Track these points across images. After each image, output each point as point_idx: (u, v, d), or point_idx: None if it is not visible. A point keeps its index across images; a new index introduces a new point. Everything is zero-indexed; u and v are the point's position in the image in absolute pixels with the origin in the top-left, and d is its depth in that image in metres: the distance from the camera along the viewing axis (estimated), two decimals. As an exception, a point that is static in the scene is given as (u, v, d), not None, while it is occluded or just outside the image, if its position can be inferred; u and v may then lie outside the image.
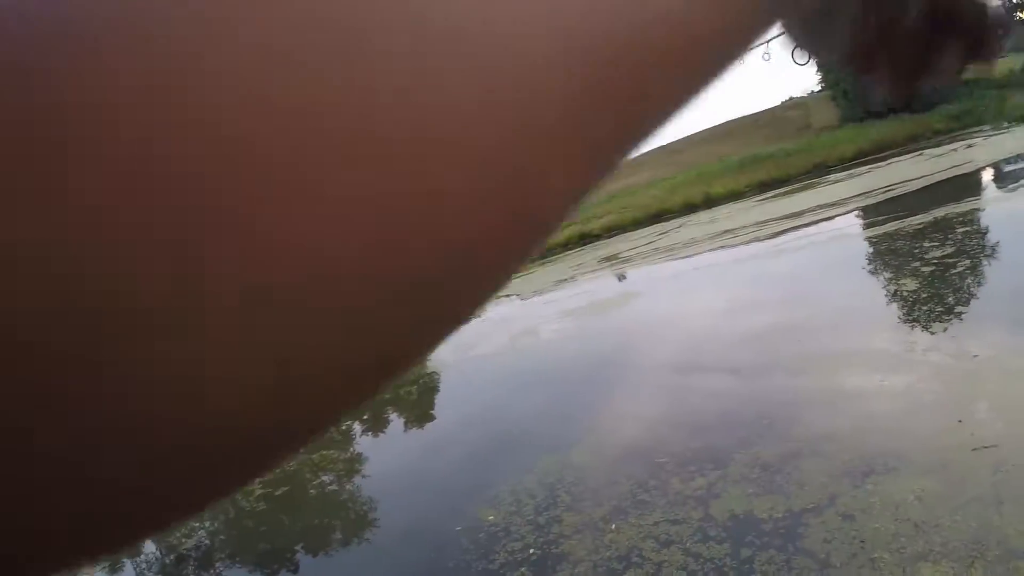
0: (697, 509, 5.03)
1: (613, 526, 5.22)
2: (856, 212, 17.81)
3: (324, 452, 10.97)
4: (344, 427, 12.58)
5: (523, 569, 5.11)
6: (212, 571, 7.63)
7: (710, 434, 6.33)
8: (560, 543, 5.28)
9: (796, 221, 19.19)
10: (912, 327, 7.57)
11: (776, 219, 21.31)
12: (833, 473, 4.87)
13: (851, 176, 29.25)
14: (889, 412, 5.60)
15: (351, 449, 11.06)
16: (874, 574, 3.76)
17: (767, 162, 46.53)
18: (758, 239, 18.36)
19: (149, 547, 9.42)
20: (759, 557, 4.22)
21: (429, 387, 13.90)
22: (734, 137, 71.89)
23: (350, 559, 6.74)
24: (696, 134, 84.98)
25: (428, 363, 16.34)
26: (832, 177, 32.16)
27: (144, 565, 8.87)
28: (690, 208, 42.02)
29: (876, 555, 3.86)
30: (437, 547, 6.00)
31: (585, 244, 42.15)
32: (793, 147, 48.45)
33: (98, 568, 8.84)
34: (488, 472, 7.41)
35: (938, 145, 30.88)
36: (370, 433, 11.89)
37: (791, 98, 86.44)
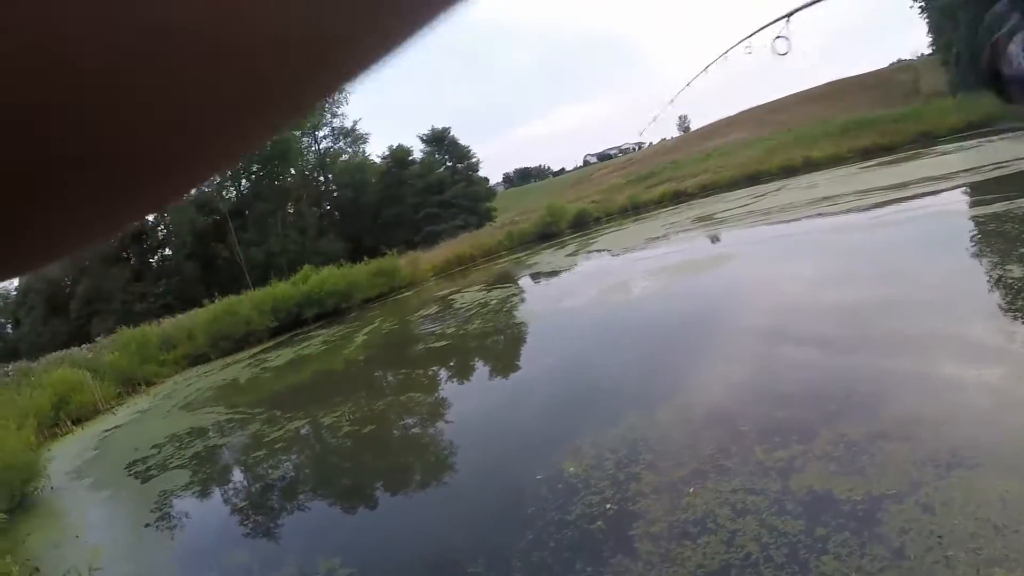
0: (776, 481, 5.04)
1: (691, 489, 5.27)
2: (963, 188, 17.05)
3: (411, 394, 11.27)
4: (431, 372, 12.91)
5: (599, 523, 5.21)
6: (295, 502, 7.92)
7: (796, 406, 6.29)
8: (637, 500, 5.36)
9: (899, 193, 18.55)
10: (1014, 317, 7.28)
11: (878, 189, 20.70)
12: (917, 461, 4.80)
13: (960, 148, 27.67)
14: (982, 404, 5.45)
15: (436, 394, 11.31)
16: (948, 572, 3.69)
17: (871, 127, 44.80)
18: (858, 209, 17.88)
19: (237, 476, 9.90)
20: (833, 538, 4.20)
21: (516, 337, 14.08)
22: (838, 98, 69.07)
23: (428, 500, 6.94)
24: (798, 93, 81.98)
25: (516, 314, 16.58)
26: (939, 148, 30.67)
27: (232, 492, 9.28)
28: (788, 171, 41.21)
29: (951, 553, 3.80)
30: (516, 493, 6.15)
31: (679, 203, 41.95)
32: (899, 113, 46.43)
33: (188, 490, 9.35)
34: (572, 424, 7.52)
35: None
36: (455, 380, 12.14)
37: (900, 60, 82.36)
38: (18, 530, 9.73)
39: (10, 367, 25.86)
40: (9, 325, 65.56)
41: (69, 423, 18.33)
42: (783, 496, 4.83)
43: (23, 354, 39.26)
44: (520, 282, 23.51)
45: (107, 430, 16.79)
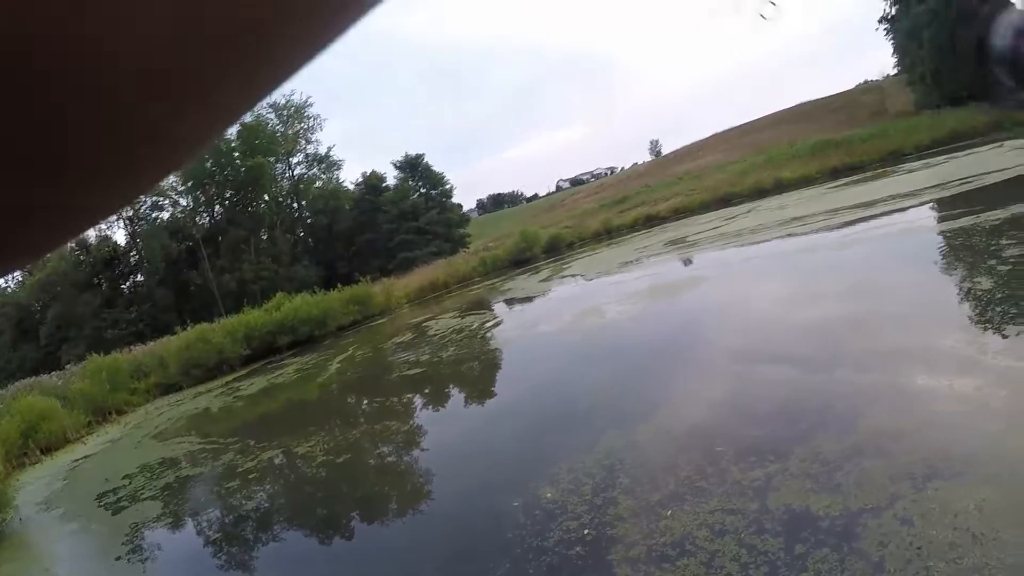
0: (754, 500, 5.05)
1: (669, 512, 5.27)
2: (930, 204, 17.41)
3: (387, 422, 11.20)
4: (405, 399, 12.85)
5: (578, 548, 5.20)
6: (269, 533, 7.84)
7: (771, 425, 6.33)
8: (615, 525, 5.35)
9: (867, 211, 18.88)
10: (984, 328, 7.40)
11: (847, 208, 21.06)
12: (894, 474, 4.83)
13: (927, 166, 28.41)
14: (955, 415, 5.51)
15: (411, 422, 11.25)
16: (927, 583, 3.70)
17: (840, 148, 45.68)
18: (828, 228, 18.18)
19: (210, 507, 9.77)
20: (813, 555, 4.22)
21: (491, 363, 14.06)
22: (807, 120, 70.21)
23: (405, 529, 6.88)
24: (767, 116, 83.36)
25: (491, 340, 16.57)
26: (907, 166, 31.34)
27: (205, 523, 9.15)
28: (759, 193, 41.71)
29: (931, 564, 3.83)
30: (494, 520, 6.12)
31: (652, 226, 42.25)
32: (867, 133, 47.17)
33: (160, 522, 9.21)
34: (549, 449, 7.51)
35: (1021, 136, 29.80)
36: (431, 407, 12.09)
37: (866, 81, 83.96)
38: (-15, 563, 9.51)
39: (-24, 394, 25.44)
40: (-25, 350, 64.64)
41: (38, 452, 18.00)
42: (761, 515, 4.84)
43: (-10, 381, 38.69)
44: (494, 308, 23.50)
45: (77, 460, 16.52)
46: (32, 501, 12.81)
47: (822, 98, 78.59)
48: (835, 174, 39.68)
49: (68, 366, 29.78)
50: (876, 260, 12.54)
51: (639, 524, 5.26)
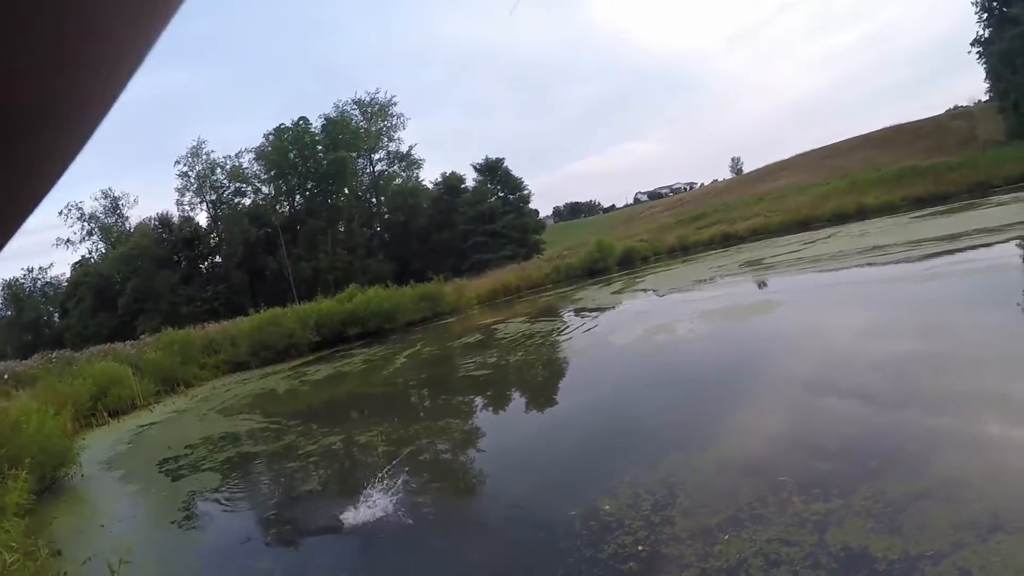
0: (813, 534, 4.83)
1: (726, 536, 5.08)
2: (1018, 241, 16.65)
3: (448, 420, 11.18)
4: (468, 399, 12.83)
5: (631, 564, 5.03)
6: (323, 517, 7.82)
7: (837, 459, 6.06)
8: (670, 544, 5.18)
9: (951, 244, 18.20)
10: None
11: (931, 240, 20.34)
12: (958, 522, 4.56)
13: (1017, 200, 27.23)
14: None
15: (473, 422, 11.20)
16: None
17: (926, 175, 44.49)
18: (909, 259, 17.51)
19: (267, 484, 9.85)
20: (866, 598, 4.02)
21: (558, 371, 13.97)
22: (892, 145, 68.28)
23: (458, 526, 6.81)
24: (852, 139, 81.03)
25: (559, 348, 16.47)
26: (996, 198, 30.27)
27: (260, 500, 9.22)
28: (841, 218, 40.84)
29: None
30: (549, 527, 5.98)
31: (729, 245, 41.67)
32: (955, 161, 45.92)
33: (218, 493, 9.32)
34: (610, 462, 7.34)
35: None
36: (493, 409, 12.03)
37: (956, 107, 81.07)
38: (44, 512, 9.75)
39: (54, 354, 26.28)
40: (57, 314, 67.04)
41: (106, 415, 18.58)
42: (818, 550, 4.64)
43: (68, 344, 40.00)
44: (564, 317, 23.35)
45: (142, 426, 16.94)
46: (95, 460, 13.16)
47: (909, 122, 76.17)
48: (920, 203, 38.69)
49: (142, 336, 30.57)
50: (957, 297, 12.03)
51: (694, 546, 5.09)
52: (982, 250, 16.55)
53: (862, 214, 39.93)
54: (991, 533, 4.38)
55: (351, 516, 7.45)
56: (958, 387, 7.38)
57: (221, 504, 9.16)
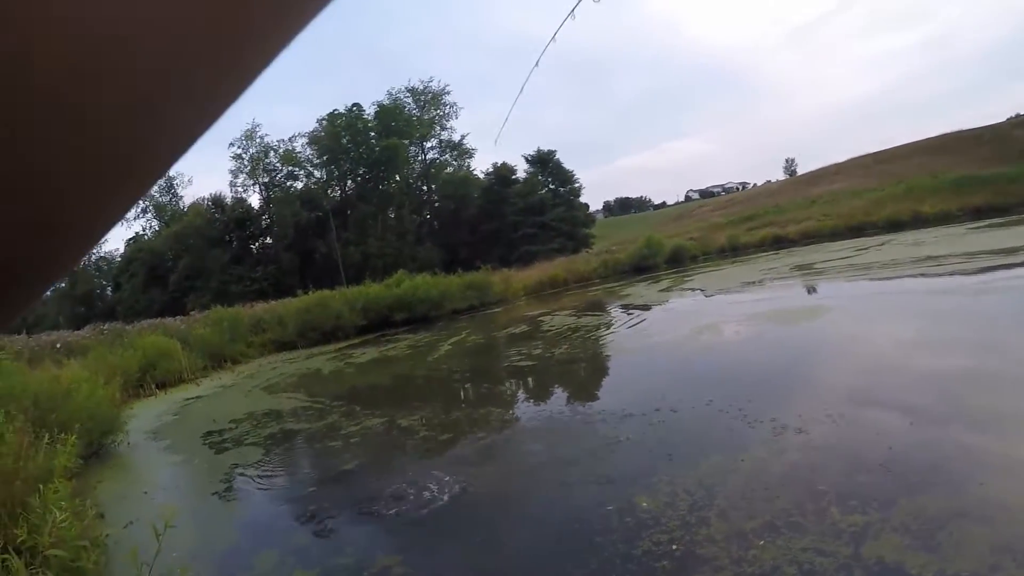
0: (848, 546, 4.74)
1: (761, 542, 5.00)
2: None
3: (491, 408, 11.15)
4: (511, 389, 12.80)
5: (664, 562, 4.98)
6: (362, 497, 7.82)
7: (876, 472, 5.93)
8: (705, 545, 5.12)
9: (1008, 259, 17.79)
10: None
11: (987, 252, 19.91)
12: (997, 544, 4.46)
13: None
14: None
15: (514, 411, 11.16)
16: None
17: (986, 185, 43.58)
18: (964, 272, 17.12)
19: (308, 462, 9.91)
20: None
21: (602, 366, 13.90)
22: (951, 152, 66.82)
23: (496, 514, 6.77)
24: (909, 144, 79.43)
25: (604, 343, 16.37)
26: None
27: (300, 476, 9.28)
28: (894, 225, 40.17)
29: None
30: (585, 520, 5.95)
31: (779, 248, 41.16)
32: (1016, 172, 44.79)
33: (259, 468, 9.40)
34: (650, 460, 7.28)
35: None
36: (535, 400, 11.98)
37: (1018, 115, 78.84)
38: (90, 476, 9.95)
39: (106, 326, 26.78)
40: (110, 288, 68.44)
41: (154, 387, 18.96)
42: (853, 562, 4.54)
43: (119, 316, 40.81)
44: (611, 312, 23.21)
45: (189, 399, 17.21)
46: (142, 429, 13.42)
47: (969, 129, 74.39)
48: (978, 214, 37.82)
49: (192, 313, 31.04)
50: (1011, 313, 11.67)
51: (729, 548, 5.00)
52: None
53: (917, 222, 39.17)
54: None
55: (389, 497, 7.45)
56: (1005, 407, 7.15)
57: (262, 478, 9.24)
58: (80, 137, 0.28)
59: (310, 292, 30.28)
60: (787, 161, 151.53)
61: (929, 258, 21.60)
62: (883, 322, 13.11)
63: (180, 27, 0.28)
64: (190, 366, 20.89)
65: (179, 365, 20.37)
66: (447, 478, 7.84)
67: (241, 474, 9.47)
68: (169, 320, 28.61)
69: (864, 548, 4.70)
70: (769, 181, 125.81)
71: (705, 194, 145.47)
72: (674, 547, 5.18)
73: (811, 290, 20.52)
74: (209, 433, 12.33)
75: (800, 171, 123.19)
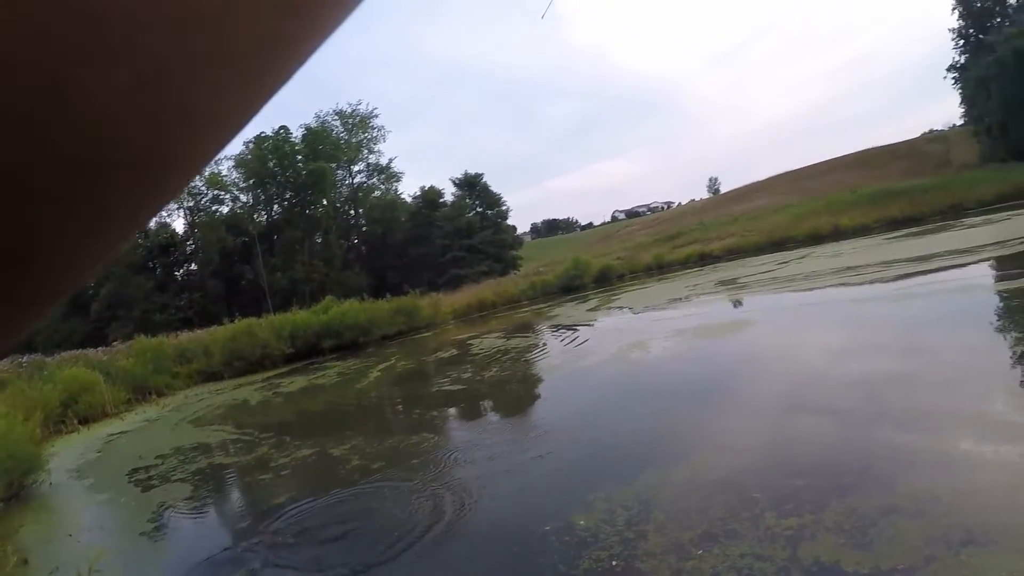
0: (785, 549, 4.90)
1: (699, 552, 5.13)
2: (990, 262, 17.12)
3: (424, 435, 11.16)
4: (443, 414, 12.82)
5: (604, 579, 5.09)
6: (296, 531, 7.78)
7: (808, 476, 6.13)
8: (645, 560, 5.21)
9: (924, 265, 18.64)
10: None
11: (904, 260, 20.81)
12: (929, 537, 4.66)
13: (988, 222, 28.29)
14: (997, 483, 5.32)
15: (447, 437, 11.20)
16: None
17: (901, 198, 45.69)
18: (882, 280, 17.93)
19: (238, 497, 9.77)
20: (837, 611, 4.08)
21: (533, 388, 14.00)
22: (868, 167, 69.96)
23: (433, 542, 6.78)
24: (829, 160, 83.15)
25: (534, 364, 16.51)
26: (968, 220, 31.25)
27: (231, 512, 9.16)
28: (815, 238, 41.61)
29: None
30: (524, 542, 6.00)
31: (704, 264, 42.05)
32: (929, 184, 47.51)
33: (188, 505, 9.25)
34: (586, 478, 7.36)
35: None
36: (468, 425, 12.03)
37: (931, 131, 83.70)
38: (11, 520, 9.66)
39: (24, 358, 25.90)
40: (27, 318, 66.23)
41: (76, 422, 18.39)
42: (790, 564, 4.69)
43: (38, 347, 39.56)
44: (540, 333, 23.41)
45: (113, 434, 16.79)
46: (65, 468, 13.04)
47: (885, 145, 78.24)
48: (894, 224, 39.51)
49: (115, 343, 30.28)
50: (929, 317, 12.25)
51: (668, 561, 5.13)
52: (954, 271, 16.91)
53: (837, 235, 40.58)
54: (962, 547, 4.46)
55: (323, 529, 7.43)
56: (930, 405, 7.50)
57: (191, 516, 9.11)
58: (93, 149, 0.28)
59: (236, 320, 29.77)
60: (711, 180, 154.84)
61: (848, 268, 22.41)
62: (808, 331, 13.57)
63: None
64: (113, 399, 20.32)
65: (102, 399, 19.80)
66: (381, 510, 7.85)
67: (170, 512, 9.31)
68: (91, 351, 27.91)
69: (800, 550, 4.84)
70: (694, 200, 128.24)
71: (631, 214, 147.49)
72: (615, 563, 5.26)
73: (736, 304, 21.07)
74: (135, 470, 12.06)
75: (723, 189, 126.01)
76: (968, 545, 4.47)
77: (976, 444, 6.18)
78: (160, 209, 0.38)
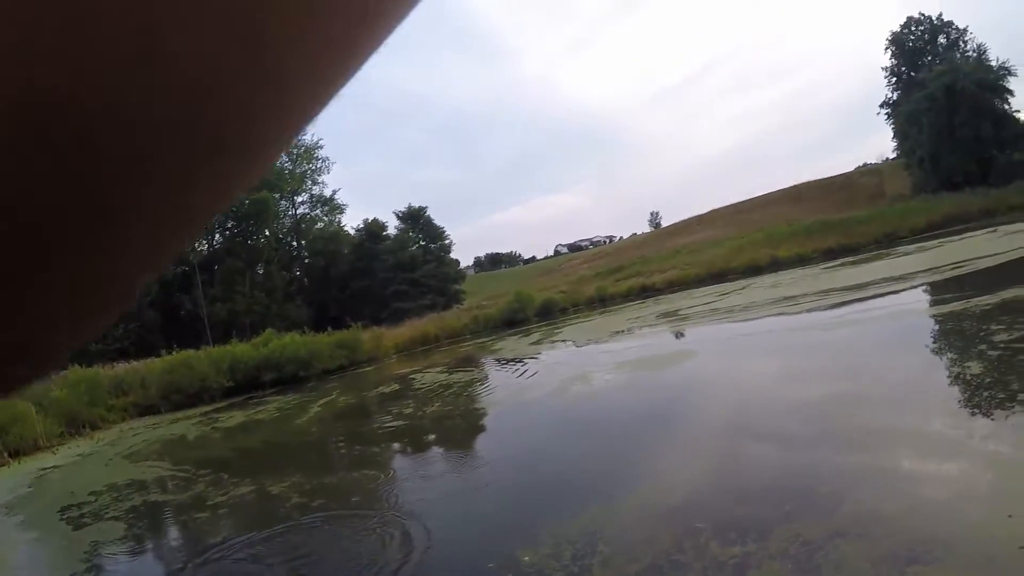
0: (730, 578, 4.99)
1: (646, 584, 5.21)
2: (922, 287, 17.96)
3: (365, 471, 11.11)
4: (385, 450, 12.76)
5: (552, 614, 5.14)
6: (234, 571, 7.69)
7: (753, 503, 6.27)
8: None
9: (859, 293, 19.32)
10: (972, 412, 7.49)
11: (840, 289, 21.48)
12: (874, 558, 4.79)
13: (921, 249, 29.55)
14: (939, 499, 5.53)
15: (389, 474, 11.14)
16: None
17: (836, 229, 47.62)
18: (820, 308, 18.52)
19: (175, 536, 9.61)
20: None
21: (476, 423, 14.01)
22: (806, 200, 72.34)
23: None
24: (767, 194, 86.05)
25: (477, 399, 16.52)
26: (901, 249, 32.70)
27: (167, 552, 9.01)
28: (754, 270, 42.63)
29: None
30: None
31: (646, 297, 42.57)
32: (864, 215, 49.75)
33: (122, 544, 9.07)
34: (530, 513, 7.41)
35: (1013, 222, 30.69)
36: (410, 461, 11.99)
37: (865, 164, 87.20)
38: (-62, 562, 9.35)
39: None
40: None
41: (6, 455, 17.85)
42: (737, 593, 4.80)
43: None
44: (483, 367, 23.48)
45: (45, 469, 16.34)
46: (-7, 504, 12.67)
47: (822, 179, 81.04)
48: (831, 255, 40.94)
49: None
50: (866, 342, 12.70)
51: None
52: (889, 297, 17.61)
53: (775, 266, 41.64)
54: (908, 565, 4.61)
55: (262, 569, 7.35)
56: (870, 426, 7.74)
57: (124, 555, 8.92)
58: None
59: (174, 352, 29.21)
60: (652, 214, 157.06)
61: (787, 298, 23.00)
62: (748, 360, 13.88)
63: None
64: (46, 432, 19.74)
65: (33, 431, 19.22)
66: (319, 551, 7.78)
67: (102, 552, 9.09)
68: (22, 382, 27.09)
69: (747, 578, 4.93)
70: (635, 234, 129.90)
71: (574, 248, 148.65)
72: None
73: (678, 335, 21.38)
74: (67, 507, 11.75)
75: (664, 223, 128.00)
76: (913, 564, 4.61)
77: (917, 462, 6.42)
78: (242, 189, 0.38)
